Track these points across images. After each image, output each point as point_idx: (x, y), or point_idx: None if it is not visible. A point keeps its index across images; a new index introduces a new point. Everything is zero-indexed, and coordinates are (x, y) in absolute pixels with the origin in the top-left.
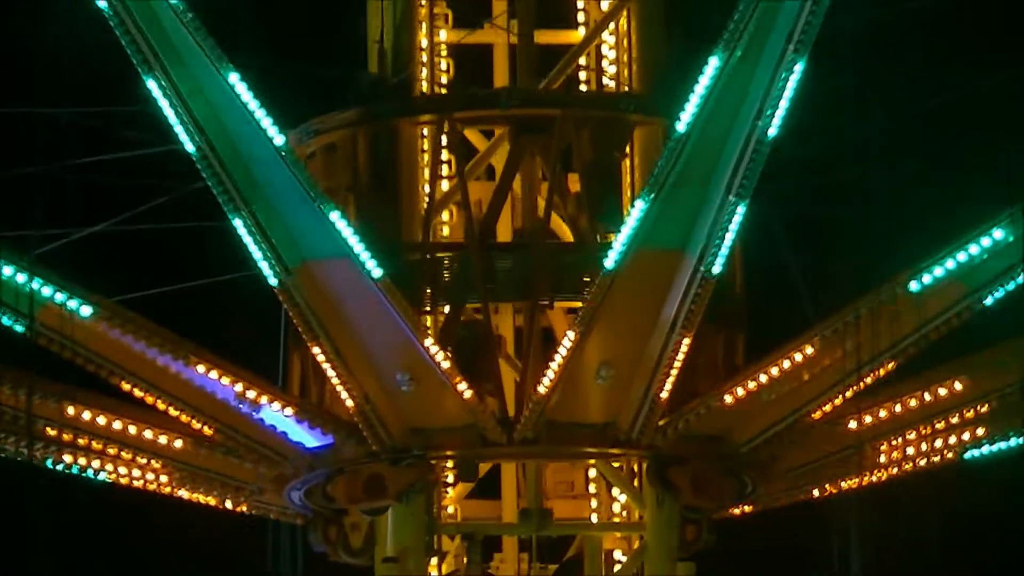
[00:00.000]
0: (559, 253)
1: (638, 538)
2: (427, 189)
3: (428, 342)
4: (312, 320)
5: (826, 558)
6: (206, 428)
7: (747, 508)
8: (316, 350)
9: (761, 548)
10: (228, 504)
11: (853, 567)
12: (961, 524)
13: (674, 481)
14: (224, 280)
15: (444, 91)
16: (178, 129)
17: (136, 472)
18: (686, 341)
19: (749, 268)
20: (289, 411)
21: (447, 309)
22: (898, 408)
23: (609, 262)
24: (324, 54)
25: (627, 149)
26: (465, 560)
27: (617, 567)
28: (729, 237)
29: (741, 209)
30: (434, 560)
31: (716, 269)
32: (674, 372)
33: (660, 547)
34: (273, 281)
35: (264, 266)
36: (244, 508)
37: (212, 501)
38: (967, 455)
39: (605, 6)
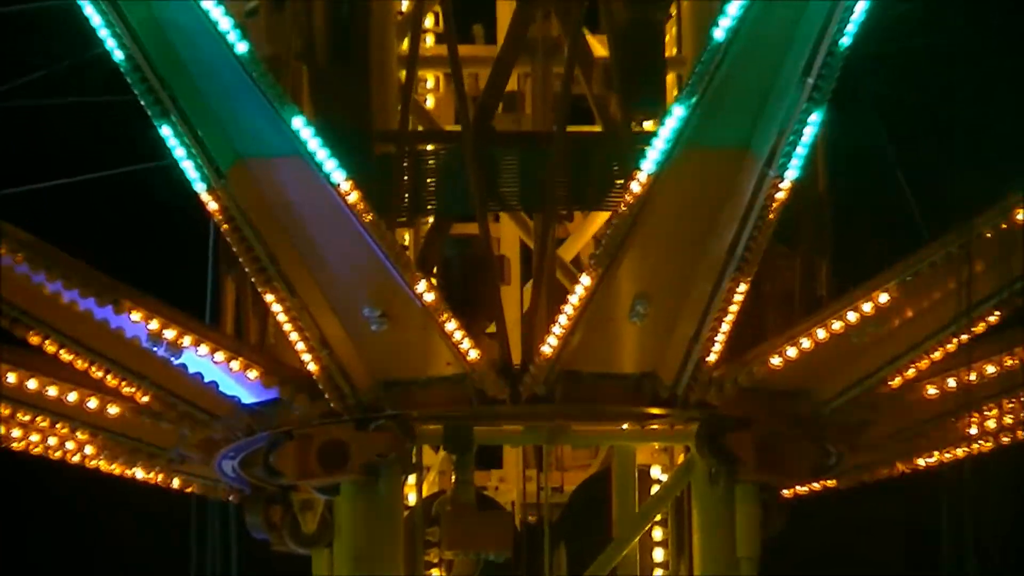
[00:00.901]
0: (582, 147)
1: (683, 451)
2: (406, 59)
3: (406, 266)
4: (251, 237)
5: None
6: (109, 377)
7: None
8: (256, 276)
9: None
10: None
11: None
12: None
13: (734, 450)
14: (130, 174)
15: None
16: None
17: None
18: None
19: (836, 172)
20: (220, 356)
21: (431, 221)
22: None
23: (649, 160)
24: None
25: (672, 8)
26: (452, 479)
27: (655, 488)
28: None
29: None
30: (412, 478)
31: (792, 171)
32: (734, 308)
33: (712, 539)
34: (199, 186)
35: (188, 166)
36: (162, 479)
37: (118, 470)
38: None
39: None
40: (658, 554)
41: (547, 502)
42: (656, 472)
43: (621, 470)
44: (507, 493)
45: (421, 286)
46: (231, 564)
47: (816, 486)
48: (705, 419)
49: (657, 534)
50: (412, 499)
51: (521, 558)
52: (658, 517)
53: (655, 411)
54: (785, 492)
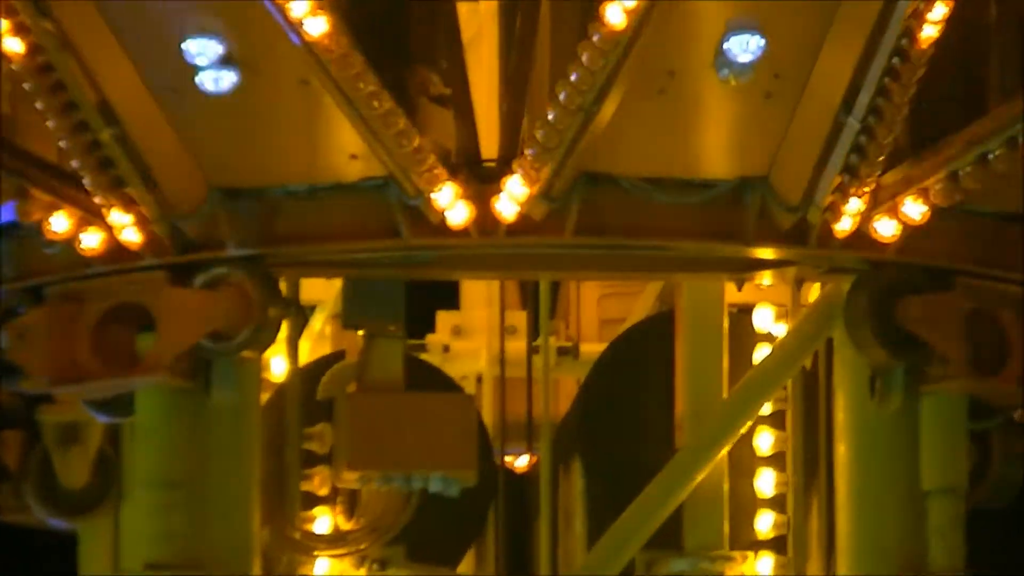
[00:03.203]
0: None
1: (821, 277)
2: None
3: None
4: None
5: None
6: None
7: None
8: None
9: None
10: None
11: None
12: None
13: (921, 333)
14: None
15: None
16: None
17: None
18: None
19: None
20: None
21: None
22: None
23: None
24: None
25: None
26: (360, 333)
27: (761, 351)
28: None
29: None
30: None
31: None
32: (923, 50)
33: (874, 469)
34: None
35: None
36: None
37: None
38: None
39: None
40: (766, 480)
41: (547, 378)
42: (765, 319)
43: (694, 317)
44: (468, 357)
45: (301, 3)
46: None
47: None
48: (866, 272)
49: (763, 441)
50: (279, 370)
51: (493, 484)
52: (767, 408)
53: (766, 253)
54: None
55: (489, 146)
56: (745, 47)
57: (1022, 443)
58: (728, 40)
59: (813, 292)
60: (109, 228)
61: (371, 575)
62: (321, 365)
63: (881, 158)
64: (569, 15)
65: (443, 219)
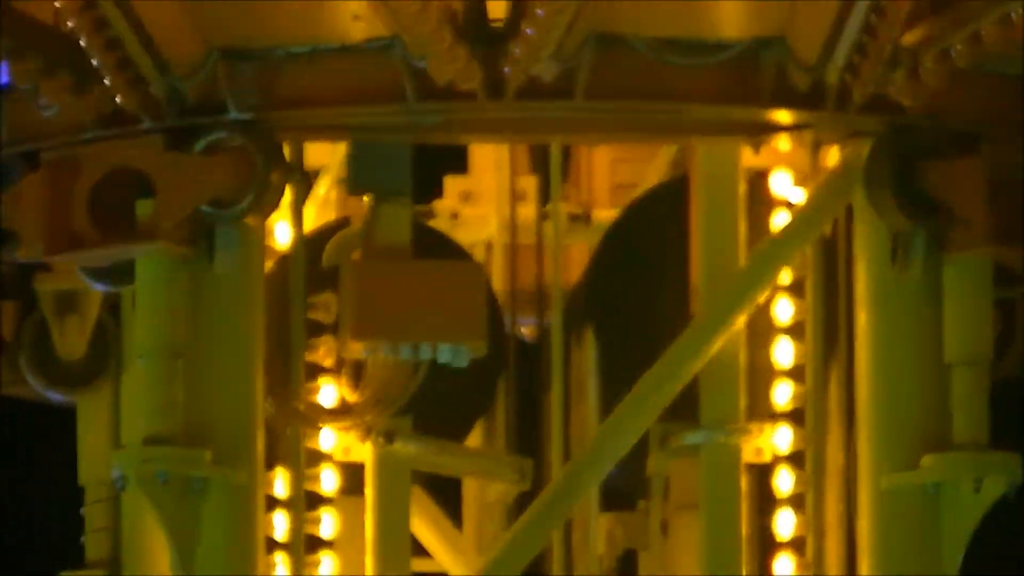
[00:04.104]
0: None
1: (840, 140)
2: None
3: None
4: None
5: None
6: None
7: None
8: None
9: None
10: None
11: None
12: None
13: (945, 196)
14: None
15: None
16: None
17: None
18: None
19: None
20: None
21: None
22: None
23: None
24: None
25: None
26: (365, 200)
27: (779, 218)
28: None
29: None
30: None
31: None
32: None
33: (898, 338)
34: None
35: None
36: None
37: None
38: None
39: None
40: (784, 350)
41: (558, 245)
42: (782, 184)
43: (710, 182)
44: (477, 224)
45: None
46: None
47: None
48: (886, 135)
49: (781, 310)
50: (283, 237)
51: (503, 355)
52: (786, 276)
53: (783, 116)
54: None
55: (497, 6)
56: None
57: None
58: None
59: (832, 156)
60: (106, 90)
61: (377, 448)
62: (326, 232)
63: (901, 16)
64: None
65: (450, 83)
